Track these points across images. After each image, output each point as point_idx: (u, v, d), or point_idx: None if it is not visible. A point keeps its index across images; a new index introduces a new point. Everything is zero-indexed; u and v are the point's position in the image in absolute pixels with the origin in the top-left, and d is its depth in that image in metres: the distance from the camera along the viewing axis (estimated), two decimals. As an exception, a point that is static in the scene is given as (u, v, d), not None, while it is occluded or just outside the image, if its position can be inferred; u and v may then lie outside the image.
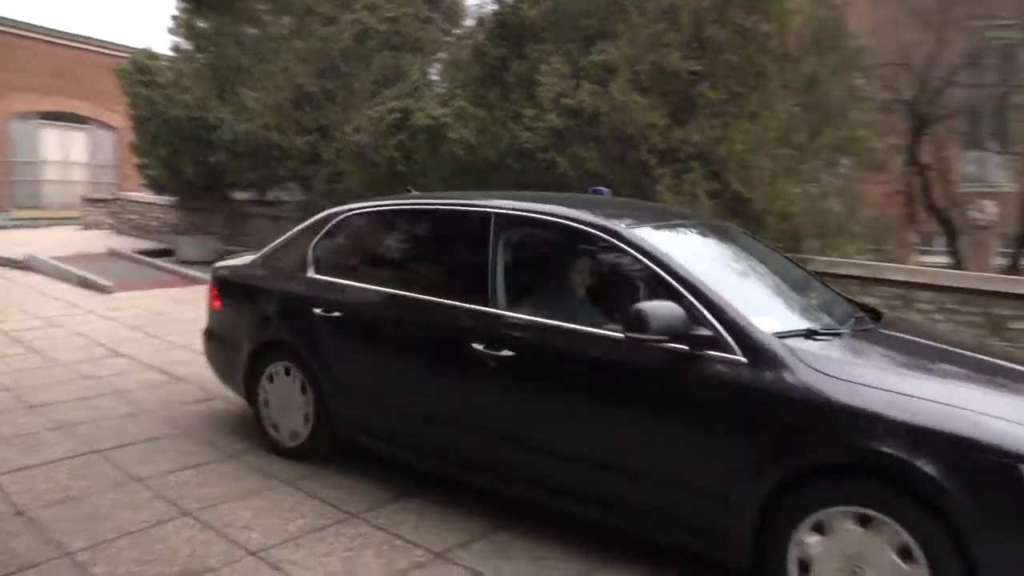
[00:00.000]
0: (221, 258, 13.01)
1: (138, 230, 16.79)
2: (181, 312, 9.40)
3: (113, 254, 14.11)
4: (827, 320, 3.63)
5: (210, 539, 3.73)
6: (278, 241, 5.12)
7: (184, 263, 13.20)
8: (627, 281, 3.67)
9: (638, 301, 3.29)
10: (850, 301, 4.24)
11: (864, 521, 2.84)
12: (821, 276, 4.75)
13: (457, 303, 3.94)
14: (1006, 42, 14.48)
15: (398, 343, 4.29)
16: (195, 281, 11.74)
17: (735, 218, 6.98)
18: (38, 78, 21.90)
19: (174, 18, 14.11)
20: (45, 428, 5.21)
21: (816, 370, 3.00)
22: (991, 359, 3.49)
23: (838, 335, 3.43)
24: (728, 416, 3.12)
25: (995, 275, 8.99)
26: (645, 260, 3.50)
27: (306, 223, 4.99)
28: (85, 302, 10.05)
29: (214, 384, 6.04)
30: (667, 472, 3.29)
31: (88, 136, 23.91)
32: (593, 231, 3.72)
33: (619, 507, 3.49)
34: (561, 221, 3.86)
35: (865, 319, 3.88)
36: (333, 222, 4.79)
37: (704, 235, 4.13)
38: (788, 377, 3.02)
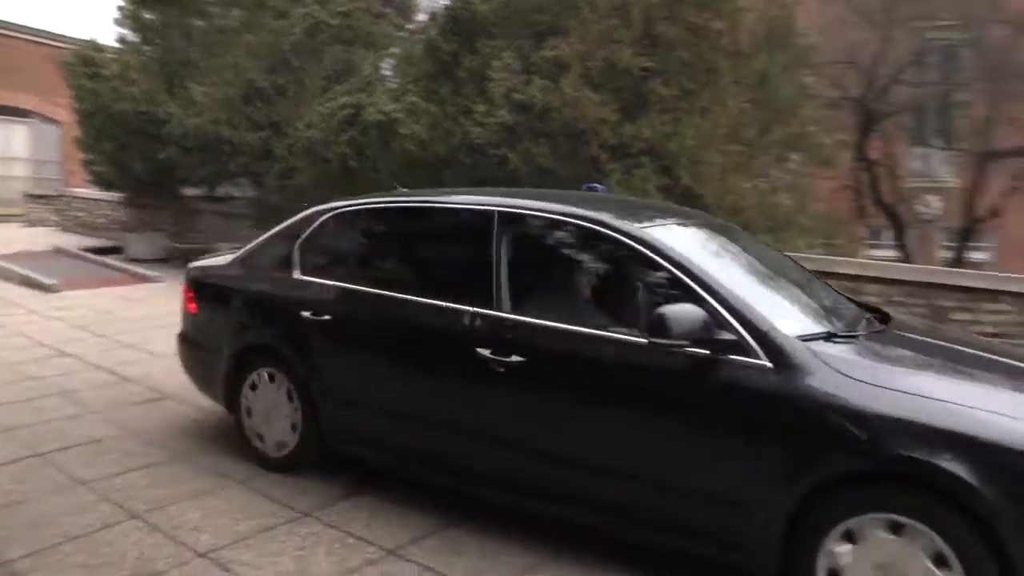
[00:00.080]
0: (171, 255, 12.82)
1: (85, 227, 16.44)
2: (130, 311, 9.24)
3: (58, 252, 13.80)
4: (842, 322, 3.54)
5: (159, 541, 3.68)
6: (258, 240, 4.90)
7: (133, 261, 12.97)
8: (641, 283, 3.55)
9: (653, 304, 3.20)
10: (854, 301, 4.15)
11: (896, 528, 2.78)
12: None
13: (459, 306, 3.76)
14: (948, 42, 14.83)
15: (395, 348, 4.08)
16: (145, 279, 11.56)
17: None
18: (-24, 70, 21.34)
19: (120, 9, 13.79)
20: (-15, 431, 5.06)
21: (843, 374, 2.94)
22: (1013, 361, 3.43)
23: (856, 338, 3.36)
24: (753, 423, 3.03)
25: (941, 268, 9.21)
26: (662, 262, 3.38)
27: (288, 222, 4.77)
28: (29, 301, 9.80)
29: (163, 384, 5.96)
30: (691, 481, 3.18)
31: (31, 130, 23.36)
32: (604, 230, 3.59)
33: (640, 519, 3.37)
34: (569, 220, 3.73)
35: (874, 320, 3.80)
36: (319, 221, 4.56)
37: (712, 235, 3.97)
38: (815, 382, 2.94)
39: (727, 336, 3.11)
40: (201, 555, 3.56)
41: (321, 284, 4.38)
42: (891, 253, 14.30)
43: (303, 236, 4.58)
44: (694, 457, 3.18)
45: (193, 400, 5.56)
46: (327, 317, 4.25)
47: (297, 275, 4.51)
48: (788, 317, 3.30)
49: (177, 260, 12.93)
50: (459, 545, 3.70)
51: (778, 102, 9.10)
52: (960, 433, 2.68)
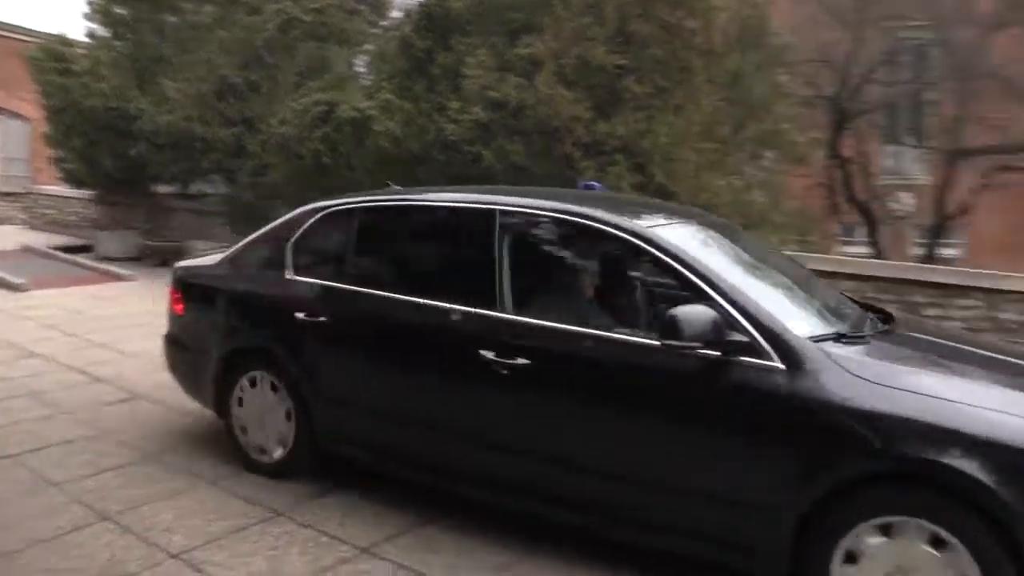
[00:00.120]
0: (144, 253, 12.69)
1: (54, 225, 16.23)
2: (101, 310, 9.14)
3: (27, 250, 13.63)
4: (847, 322, 3.49)
5: (130, 543, 3.65)
6: (247, 240, 4.79)
7: (104, 259, 12.84)
8: (648, 284, 3.50)
9: (661, 306, 3.15)
10: (855, 301, 4.09)
11: (914, 531, 2.76)
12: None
13: (460, 307, 3.68)
14: (918, 42, 15.01)
15: (394, 350, 3.98)
16: (117, 277, 11.45)
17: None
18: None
19: (90, 4, 13.62)
20: (-48, 433, 4.99)
21: (856, 375, 2.91)
22: (1019, 360, 3.41)
23: (863, 338, 3.33)
24: (767, 425, 3.00)
25: (913, 264, 9.34)
26: (671, 262, 3.33)
27: (279, 221, 4.65)
28: (-3, 301, 9.68)
29: (136, 384, 5.90)
30: (701, 485, 3.14)
31: (-3, 126, 22.97)
32: (610, 230, 3.53)
33: (650, 523, 3.32)
34: (574, 219, 3.67)
35: (878, 320, 3.76)
36: (313, 220, 4.45)
37: (715, 234, 3.88)
38: (828, 384, 2.91)
39: (739, 338, 3.07)
40: (173, 556, 3.54)
41: (316, 285, 4.28)
42: (864, 250, 14.46)
43: (295, 236, 4.46)
44: (704, 460, 3.14)
45: (165, 400, 5.52)
46: (323, 319, 4.14)
47: (290, 275, 4.40)
48: (797, 317, 3.26)
49: (150, 258, 12.82)
50: (434, 543, 3.70)
51: (752, 100, 9.16)
52: (976, 435, 2.67)
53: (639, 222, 3.55)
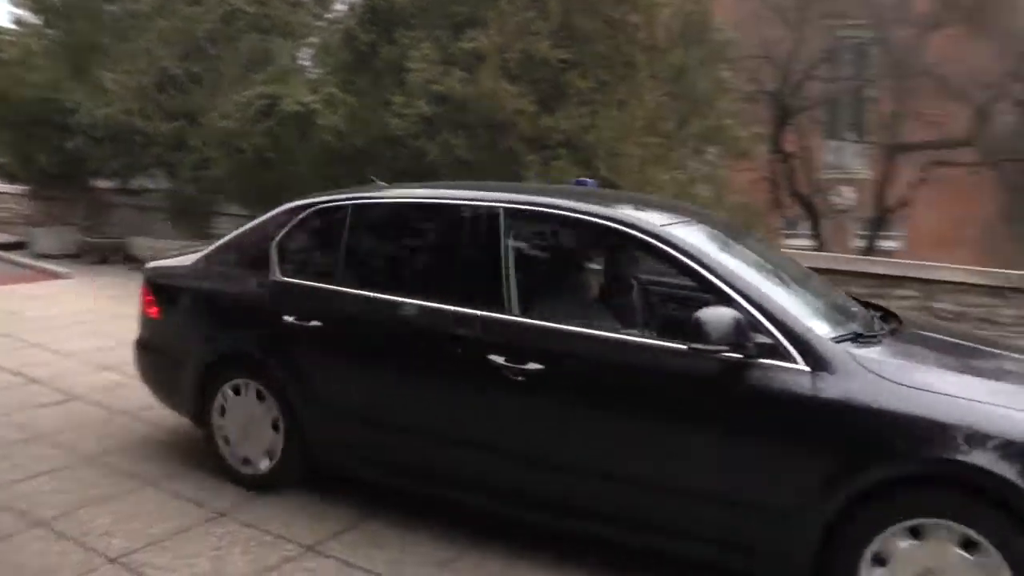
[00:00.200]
0: (83, 250, 12.39)
1: (-15, 222, 15.76)
2: (37, 309, 8.88)
3: (-44, 248, 13.25)
4: (857, 322, 3.43)
5: (66, 549, 3.56)
6: (226, 238, 4.56)
7: (41, 257, 12.50)
8: (664, 285, 3.45)
9: (680, 308, 3.11)
10: (855, 299, 4.01)
11: (944, 533, 2.73)
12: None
13: (467, 310, 3.53)
14: (858, 40, 15.35)
15: (394, 355, 3.81)
16: (54, 275, 11.18)
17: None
18: None
19: (18, -12, 13.21)
20: None
21: (881, 376, 2.87)
22: None
23: (877, 338, 3.29)
24: (792, 429, 2.95)
25: (854, 256, 9.58)
26: (690, 263, 3.25)
27: (261, 219, 4.42)
28: (-77, 301, 9.37)
29: (73, 385, 5.76)
30: (727, 491, 3.06)
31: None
32: (623, 228, 3.44)
33: (671, 530, 3.24)
34: (584, 218, 3.56)
35: (882, 319, 3.71)
36: (299, 217, 4.22)
37: (722, 233, 3.78)
38: (854, 385, 2.86)
39: (764, 340, 3.01)
40: (112, 560, 3.47)
41: (307, 286, 4.07)
42: (807, 242, 14.75)
43: (280, 234, 4.23)
44: (731, 465, 3.06)
45: (104, 401, 5.41)
46: (315, 323, 3.93)
47: (277, 276, 4.17)
48: (815, 318, 3.21)
49: (88, 255, 12.53)
50: (380, 538, 3.69)
51: (695, 95, 9.26)
52: (1005, 435, 2.66)
53: (650, 220, 3.46)
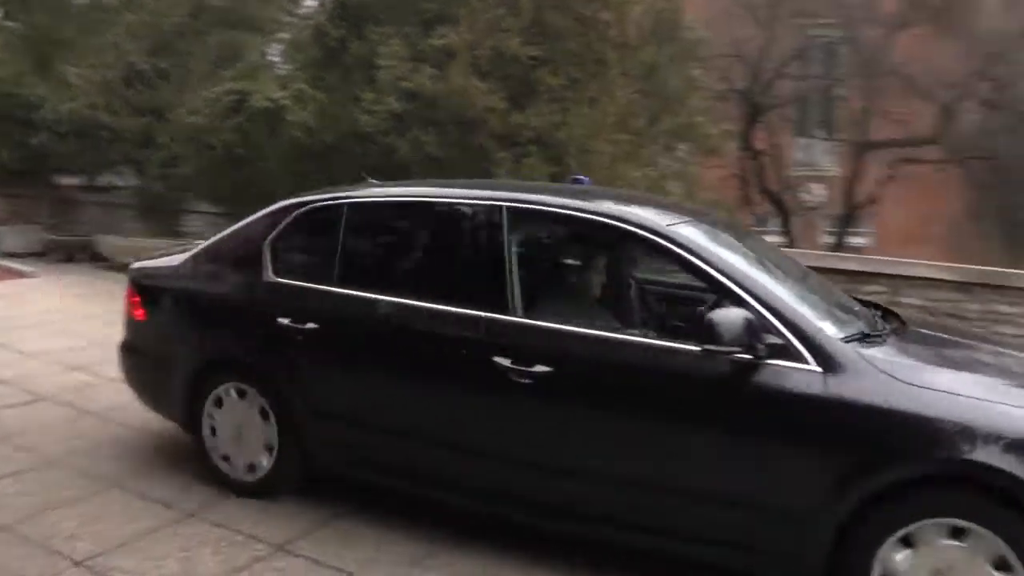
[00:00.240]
0: (49, 249, 12.19)
1: (-53, 220, 15.49)
2: (3, 309, 8.68)
3: (-83, 247, 12.98)
4: (862, 321, 3.39)
5: (29, 553, 3.46)
6: (215, 238, 4.39)
7: (5, 255, 12.26)
8: (671, 286, 3.42)
9: (688, 308, 3.08)
10: (856, 299, 3.95)
11: (956, 533, 2.70)
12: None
13: (471, 311, 3.44)
14: (828, 39, 15.52)
15: (396, 358, 3.70)
16: (18, 275, 10.96)
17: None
18: None
19: (-24, -20, 13.03)
20: None
21: (892, 376, 2.85)
22: None
23: (882, 338, 3.25)
24: (804, 430, 2.91)
25: (824, 252, 9.67)
26: (699, 263, 3.20)
27: (252, 217, 4.25)
28: None
29: (38, 385, 5.65)
30: (738, 493, 3.01)
31: None
32: (629, 228, 3.37)
33: (685, 534, 3.18)
34: (590, 217, 3.50)
35: (884, 318, 3.66)
36: (293, 216, 4.06)
37: (727, 233, 3.71)
38: (866, 386, 2.83)
39: (775, 341, 2.96)
40: (78, 564, 3.38)
41: (302, 287, 3.92)
42: (777, 239, 14.86)
43: (273, 234, 4.07)
44: (743, 467, 3.02)
45: (71, 402, 5.32)
46: (312, 325, 3.79)
47: (270, 277, 4.01)
48: (823, 318, 3.18)
49: (54, 253, 12.34)
50: (351, 536, 3.65)
51: (666, 93, 9.34)
52: (1021, 435, 2.65)
53: (656, 220, 3.41)
